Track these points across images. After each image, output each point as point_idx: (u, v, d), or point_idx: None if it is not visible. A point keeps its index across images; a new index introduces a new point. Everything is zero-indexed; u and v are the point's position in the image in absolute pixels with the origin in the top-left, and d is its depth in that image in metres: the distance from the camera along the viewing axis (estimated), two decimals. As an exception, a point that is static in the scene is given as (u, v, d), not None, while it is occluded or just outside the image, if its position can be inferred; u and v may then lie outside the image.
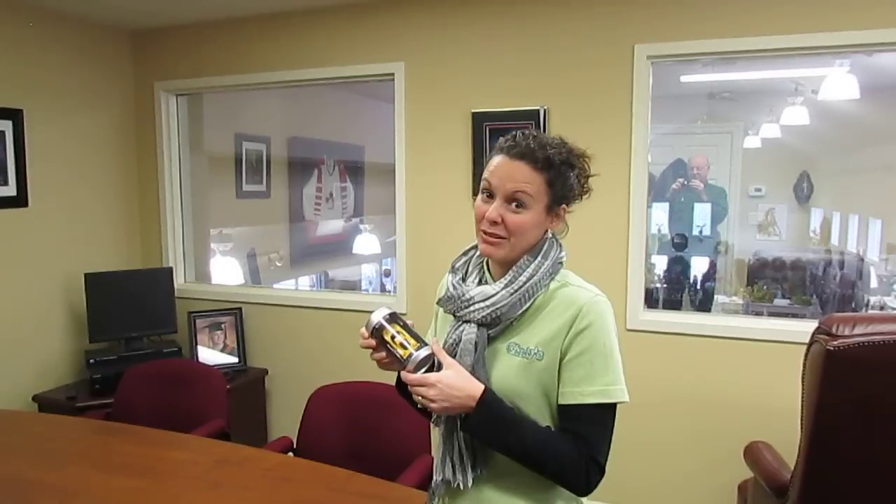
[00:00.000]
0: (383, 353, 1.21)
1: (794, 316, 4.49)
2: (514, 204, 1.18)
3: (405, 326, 1.20)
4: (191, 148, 3.96)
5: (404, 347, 1.18)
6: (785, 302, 4.79)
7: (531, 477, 1.18)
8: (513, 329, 1.22)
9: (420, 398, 1.16)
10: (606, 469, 1.18)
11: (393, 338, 1.19)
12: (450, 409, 1.16)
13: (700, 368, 2.89)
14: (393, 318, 1.21)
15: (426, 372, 1.17)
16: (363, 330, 1.22)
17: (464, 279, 1.28)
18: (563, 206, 1.24)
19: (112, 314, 3.44)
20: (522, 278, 1.19)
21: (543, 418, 1.19)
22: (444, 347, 1.22)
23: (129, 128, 3.84)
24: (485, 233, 1.20)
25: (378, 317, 1.21)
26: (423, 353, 1.17)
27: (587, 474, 1.16)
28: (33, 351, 3.35)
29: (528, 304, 1.20)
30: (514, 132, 1.23)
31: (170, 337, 3.65)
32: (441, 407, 1.15)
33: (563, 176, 1.21)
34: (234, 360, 3.66)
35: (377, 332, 1.20)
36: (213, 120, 4.20)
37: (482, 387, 1.16)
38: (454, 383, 1.15)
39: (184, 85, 3.75)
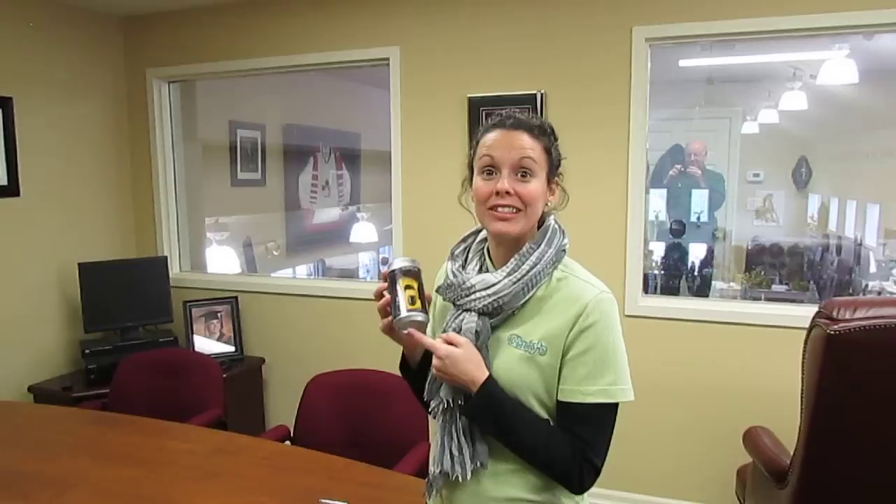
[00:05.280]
0: (386, 298, 1.19)
1: (792, 301, 4.49)
2: (520, 174, 1.16)
3: (420, 288, 1.18)
4: (184, 136, 3.92)
5: (410, 302, 1.16)
6: (783, 287, 4.79)
7: (532, 470, 1.17)
8: (514, 319, 1.19)
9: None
10: (605, 457, 1.16)
11: (406, 287, 1.17)
12: (449, 382, 1.17)
13: (698, 354, 2.88)
14: (415, 274, 1.19)
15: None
16: (385, 270, 1.21)
17: (463, 266, 1.25)
18: (556, 178, 1.23)
19: (107, 304, 3.42)
20: (526, 266, 1.17)
21: (542, 412, 1.18)
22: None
23: (121, 115, 3.79)
24: (497, 209, 1.16)
25: (402, 263, 1.19)
26: (417, 317, 1.16)
27: (581, 474, 1.14)
28: (28, 341, 3.33)
29: (530, 294, 1.18)
30: (495, 114, 1.23)
31: (165, 326, 3.63)
32: (441, 377, 1.16)
33: (555, 144, 1.21)
34: (231, 348, 3.64)
35: (393, 275, 1.18)
36: (206, 107, 4.16)
37: (486, 373, 1.15)
38: (460, 364, 1.13)
39: (176, 72, 3.71)
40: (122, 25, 3.77)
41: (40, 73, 3.33)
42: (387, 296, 1.19)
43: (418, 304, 1.16)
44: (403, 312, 1.15)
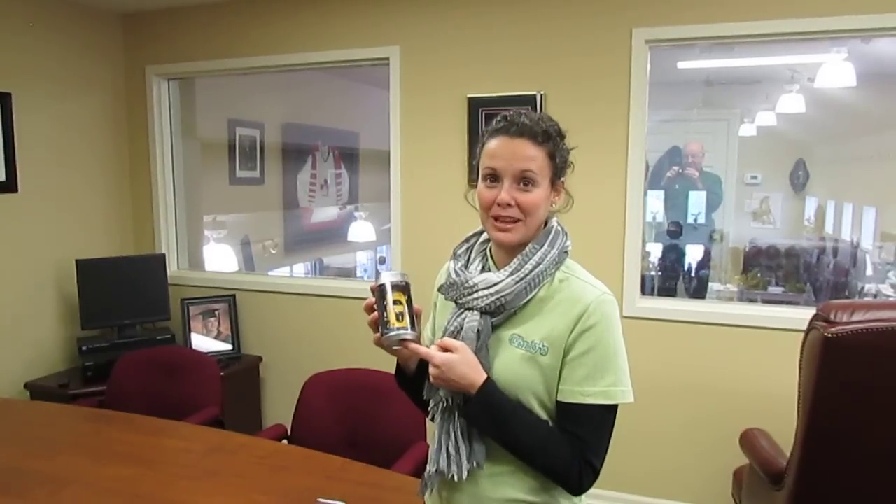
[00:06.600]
0: (374, 315, 1.18)
1: (788, 303, 4.50)
2: (522, 183, 1.16)
3: (409, 303, 1.17)
4: (183, 133, 3.92)
5: (397, 319, 1.14)
6: (779, 289, 4.80)
7: (530, 471, 1.17)
8: (515, 319, 1.20)
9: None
10: (604, 458, 1.17)
11: (395, 303, 1.15)
12: (448, 388, 1.16)
13: (695, 355, 2.89)
14: (404, 288, 1.18)
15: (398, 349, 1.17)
16: (373, 284, 1.20)
17: (466, 266, 1.26)
18: (562, 179, 1.22)
19: (104, 301, 3.41)
20: (528, 266, 1.17)
21: (541, 413, 1.18)
22: (444, 335, 1.20)
23: (120, 113, 3.79)
24: (497, 218, 1.17)
25: (390, 277, 1.18)
26: (406, 335, 1.15)
27: (580, 476, 1.14)
28: (25, 338, 3.32)
29: (532, 294, 1.18)
30: (499, 115, 1.21)
31: (163, 324, 3.62)
32: (439, 384, 1.16)
33: (560, 147, 1.20)
34: (228, 347, 3.64)
35: (382, 289, 1.17)
36: (205, 105, 4.15)
37: (484, 376, 1.14)
38: (457, 369, 1.13)
39: (176, 69, 3.70)
40: (122, 22, 3.76)
41: (40, 70, 3.33)
42: (376, 311, 1.18)
43: (406, 320, 1.15)
44: (392, 330, 1.14)
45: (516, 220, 1.17)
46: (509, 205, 1.16)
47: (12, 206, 3.23)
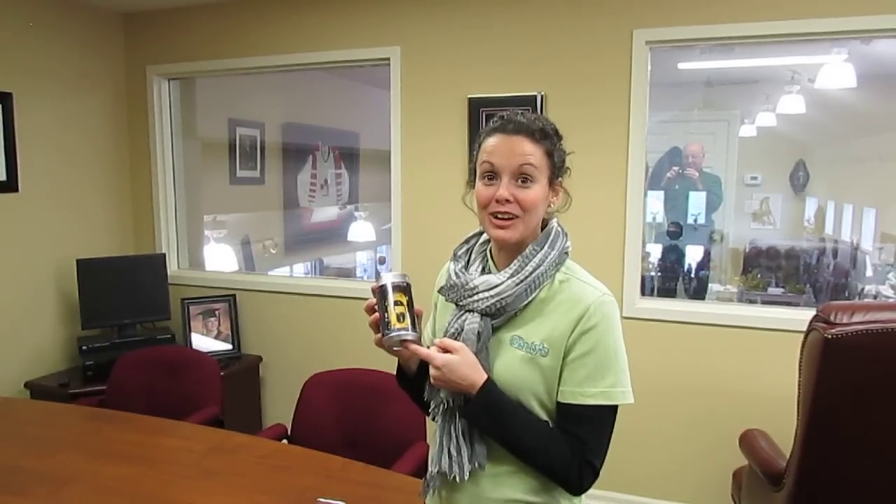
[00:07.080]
0: (375, 315, 1.18)
1: (788, 304, 4.50)
2: (520, 180, 1.16)
3: (410, 304, 1.17)
4: (183, 133, 3.92)
5: (398, 320, 1.15)
6: (779, 290, 4.80)
7: (530, 471, 1.18)
8: (516, 320, 1.20)
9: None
10: (604, 458, 1.17)
11: (396, 304, 1.16)
12: (448, 389, 1.16)
13: (695, 356, 2.89)
14: (405, 289, 1.18)
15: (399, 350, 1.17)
16: (374, 284, 1.20)
17: (466, 267, 1.26)
18: (560, 179, 1.22)
19: (105, 301, 3.42)
20: (529, 268, 1.17)
21: (542, 413, 1.18)
22: (445, 337, 1.20)
23: (120, 112, 3.79)
24: (496, 216, 1.17)
25: (391, 278, 1.18)
26: (406, 335, 1.15)
27: (580, 476, 1.15)
28: (25, 338, 3.32)
29: (533, 295, 1.18)
30: (497, 115, 1.22)
31: (163, 324, 3.62)
32: (439, 385, 1.16)
33: (557, 146, 1.21)
34: (228, 346, 3.64)
35: (383, 290, 1.17)
36: (206, 105, 4.15)
37: (485, 376, 1.15)
38: (458, 370, 1.13)
39: (176, 69, 3.71)
40: (123, 22, 3.76)
41: (41, 69, 3.33)
42: (375, 314, 1.18)
43: (407, 321, 1.15)
44: (393, 331, 1.14)
45: (515, 217, 1.16)
46: (508, 201, 1.15)
47: (13, 205, 3.24)
